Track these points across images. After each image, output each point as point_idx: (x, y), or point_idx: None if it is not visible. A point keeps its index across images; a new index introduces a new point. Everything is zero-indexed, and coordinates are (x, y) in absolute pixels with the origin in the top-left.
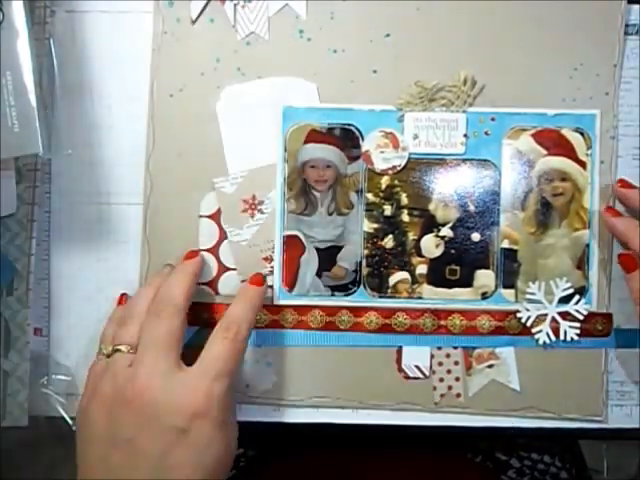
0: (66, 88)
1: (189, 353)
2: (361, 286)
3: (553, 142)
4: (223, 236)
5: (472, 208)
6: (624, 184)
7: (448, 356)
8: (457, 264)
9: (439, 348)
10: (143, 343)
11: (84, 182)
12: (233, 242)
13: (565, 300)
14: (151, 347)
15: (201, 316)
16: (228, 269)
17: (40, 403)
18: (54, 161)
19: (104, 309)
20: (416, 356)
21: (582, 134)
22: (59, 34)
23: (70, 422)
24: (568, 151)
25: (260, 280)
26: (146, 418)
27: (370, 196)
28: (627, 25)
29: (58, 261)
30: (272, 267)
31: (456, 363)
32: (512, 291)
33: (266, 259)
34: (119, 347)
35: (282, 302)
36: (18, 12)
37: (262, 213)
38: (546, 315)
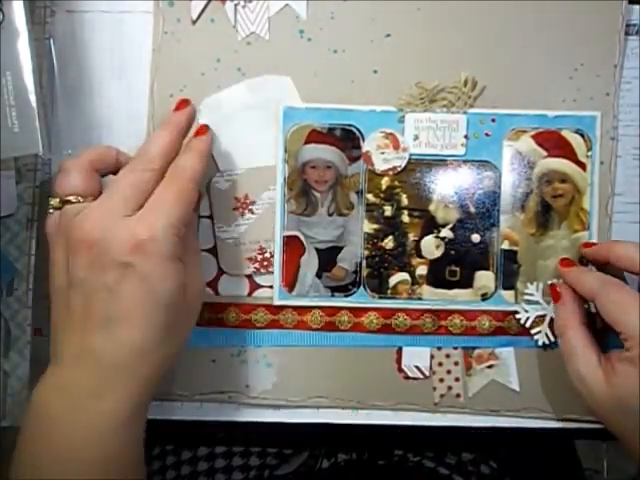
0: (66, 88)
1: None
2: (361, 287)
3: (553, 143)
4: None
5: (472, 209)
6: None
7: (448, 356)
8: (457, 265)
9: (439, 348)
10: (106, 191)
11: None
12: (220, 239)
13: None
14: (111, 193)
15: (202, 316)
16: (222, 268)
17: None
18: (54, 161)
19: None
20: (416, 356)
21: (582, 136)
22: (59, 34)
23: None
24: (568, 152)
25: (204, 129)
26: (94, 256)
27: (370, 197)
28: (627, 25)
29: None
30: (256, 267)
31: (456, 363)
32: (512, 292)
33: (250, 259)
34: (68, 198)
35: (282, 302)
36: (18, 12)
37: (252, 213)
38: (545, 316)
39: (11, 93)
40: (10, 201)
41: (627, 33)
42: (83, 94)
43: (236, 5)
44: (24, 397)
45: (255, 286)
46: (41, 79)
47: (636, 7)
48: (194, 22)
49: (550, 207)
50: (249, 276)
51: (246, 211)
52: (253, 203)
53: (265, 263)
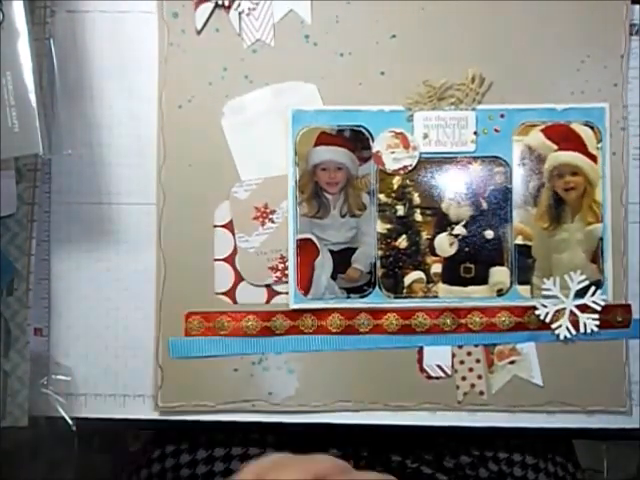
0: (66, 88)
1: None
2: (376, 287)
3: (563, 137)
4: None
5: (484, 205)
6: None
7: (469, 354)
8: (471, 262)
9: (460, 346)
10: None
11: (84, 182)
12: (241, 249)
13: (581, 293)
14: None
15: (222, 326)
16: (244, 278)
17: (40, 403)
18: (54, 161)
19: (104, 309)
20: (437, 355)
21: (592, 128)
22: (59, 34)
23: (70, 422)
24: (578, 145)
25: None
26: None
27: (382, 197)
28: (629, 25)
29: (58, 261)
30: (277, 277)
31: (478, 361)
32: (527, 287)
33: (272, 268)
34: None
35: (298, 306)
36: (18, 12)
37: (273, 222)
38: (564, 309)
39: (11, 93)
40: (10, 201)
41: (629, 33)
42: (83, 94)
43: (240, 13)
44: (24, 397)
45: (273, 293)
46: (41, 79)
47: (636, 7)
48: (199, 32)
49: (562, 200)
50: (267, 284)
51: (266, 220)
52: (273, 212)
53: (287, 272)
